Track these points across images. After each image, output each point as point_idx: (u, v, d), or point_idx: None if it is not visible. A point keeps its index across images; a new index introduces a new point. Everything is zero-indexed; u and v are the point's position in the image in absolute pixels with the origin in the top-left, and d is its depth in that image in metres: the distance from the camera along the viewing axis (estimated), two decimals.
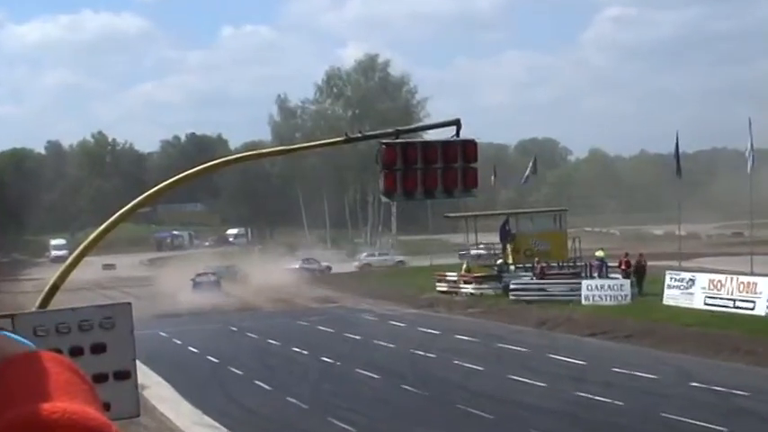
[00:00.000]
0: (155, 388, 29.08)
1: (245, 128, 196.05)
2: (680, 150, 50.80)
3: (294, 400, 26.92)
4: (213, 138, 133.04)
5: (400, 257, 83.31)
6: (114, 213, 9.92)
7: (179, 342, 40.24)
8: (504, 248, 53.38)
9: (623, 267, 48.08)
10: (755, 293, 38.92)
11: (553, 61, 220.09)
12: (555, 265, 51.89)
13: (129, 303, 6.41)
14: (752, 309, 38.66)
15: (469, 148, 14.20)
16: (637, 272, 47.04)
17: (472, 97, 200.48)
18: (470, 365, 31.29)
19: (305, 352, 35.75)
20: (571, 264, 52.74)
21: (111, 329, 6.01)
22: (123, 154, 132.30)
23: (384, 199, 14.54)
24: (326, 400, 27.22)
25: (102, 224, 9.87)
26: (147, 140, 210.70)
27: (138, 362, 6.12)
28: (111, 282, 70.50)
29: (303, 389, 28.59)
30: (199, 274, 61.81)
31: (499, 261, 53.63)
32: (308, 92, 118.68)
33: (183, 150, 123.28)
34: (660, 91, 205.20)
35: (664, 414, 23.24)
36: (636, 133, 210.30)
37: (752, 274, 42.34)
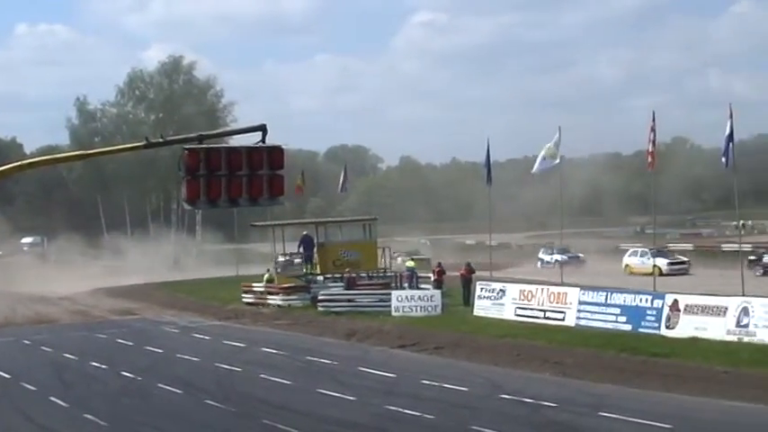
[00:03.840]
0: None
1: (42, 132, 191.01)
2: (491, 158, 51.04)
3: (92, 417, 25.61)
4: (7, 141, 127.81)
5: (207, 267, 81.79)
6: None
7: None
8: (311, 258, 52.68)
9: (434, 278, 48.07)
10: (565, 304, 39.31)
11: (365, 67, 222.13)
12: (364, 275, 51.44)
13: None
14: (562, 319, 39.04)
15: (276, 154, 13.57)
16: (464, 282, 46.94)
17: (281, 102, 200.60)
18: (277, 379, 30.53)
19: (103, 366, 34.31)
20: (381, 274, 52.41)
21: None
22: None
23: (187, 207, 13.72)
24: (127, 417, 26.02)
25: None
26: None
27: None
28: None
29: (102, 405, 27.25)
30: None
31: (304, 271, 52.82)
32: (110, 94, 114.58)
33: None
34: (472, 98, 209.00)
35: (473, 427, 22.94)
36: (447, 141, 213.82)
37: (562, 284, 42.74)
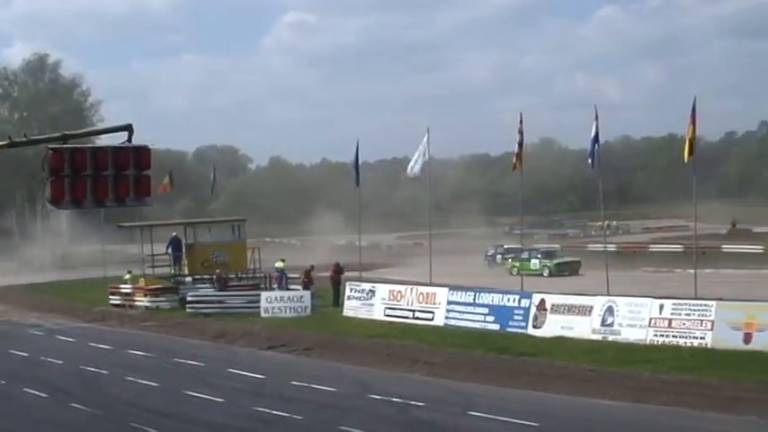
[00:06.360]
0: None
1: None
2: (361, 159, 51.05)
3: None
4: None
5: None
6: None
7: None
8: (179, 259, 52.18)
9: (304, 279, 48.01)
10: (434, 304, 39.61)
11: (234, 66, 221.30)
12: (234, 276, 51.12)
13: None
14: (431, 319, 39.33)
15: (143, 154, 13.41)
16: (333, 283, 46.95)
17: (149, 101, 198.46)
18: (144, 381, 30.11)
19: None
20: (250, 275, 52.14)
21: None
22: None
23: (51, 207, 13.46)
24: None
25: None
26: None
27: None
28: None
29: None
30: None
31: (172, 272, 52.30)
32: None
33: None
34: (342, 99, 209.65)
35: (342, 427, 22.95)
36: (317, 141, 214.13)
37: (431, 284, 43.02)
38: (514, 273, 61.94)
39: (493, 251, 77.40)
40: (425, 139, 45.19)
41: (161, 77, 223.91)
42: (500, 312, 36.99)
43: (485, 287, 40.85)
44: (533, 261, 65.25)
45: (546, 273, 64.01)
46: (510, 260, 68.36)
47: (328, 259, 53.66)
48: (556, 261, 66.94)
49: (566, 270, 64.62)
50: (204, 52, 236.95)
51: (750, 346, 29.21)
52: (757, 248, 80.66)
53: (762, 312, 29.96)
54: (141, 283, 52.20)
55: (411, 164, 46.32)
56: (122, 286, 53.19)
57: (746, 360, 28.05)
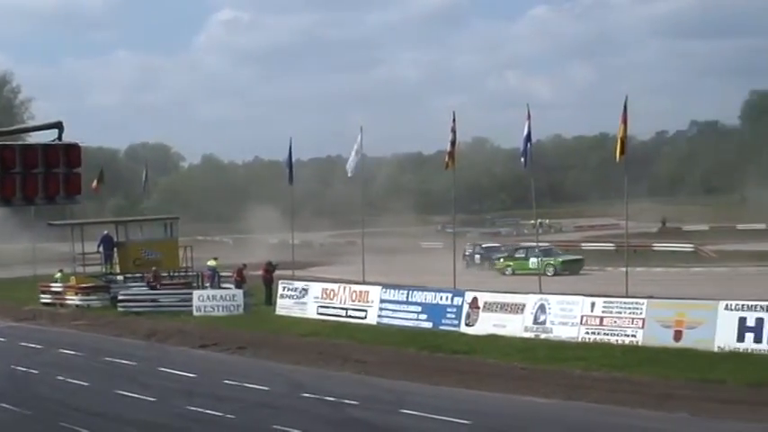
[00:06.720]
0: None
1: None
2: (294, 157, 50.96)
3: None
4: None
5: None
6: None
7: None
8: (111, 258, 51.77)
9: (236, 277, 47.86)
10: (367, 302, 39.63)
11: (167, 64, 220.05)
12: (166, 274, 50.80)
13: None
14: (363, 318, 39.34)
15: (73, 152, 13.32)
16: (265, 281, 46.82)
17: (80, 99, 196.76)
18: (75, 381, 29.80)
19: None
20: (183, 273, 51.85)
21: None
22: None
23: None
24: None
25: None
26: None
27: None
28: None
29: None
30: None
31: (103, 271, 51.88)
32: None
33: None
34: (275, 97, 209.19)
35: (274, 426, 22.84)
36: (250, 139, 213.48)
37: (363, 282, 43.04)
38: (508, 273, 61.66)
39: (471, 250, 72.49)
40: (359, 137, 45.20)
41: (93, 75, 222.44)
42: (433, 311, 37.06)
43: (417, 285, 40.84)
44: (532, 260, 60.15)
45: (550, 271, 59.37)
46: (502, 259, 65.34)
47: (262, 258, 53.52)
48: (562, 259, 63.62)
49: (567, 269, 61.37)
50: (137, 49, 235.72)
51: (680, 344, 29.51)
52: (687, 247, 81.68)
53: (691, 310, 30.28)
54: (72, 281, 51.70)
55: (349, 162, 46.28)
56: (53, 285, 52.65)
57: (676, 357, 28.34)
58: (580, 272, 62.11)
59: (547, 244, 70.55)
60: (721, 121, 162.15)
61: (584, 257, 66.72)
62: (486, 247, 71.37)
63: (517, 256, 63.78)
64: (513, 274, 60.10)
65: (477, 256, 70.90)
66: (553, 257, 63.17)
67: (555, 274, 58.88)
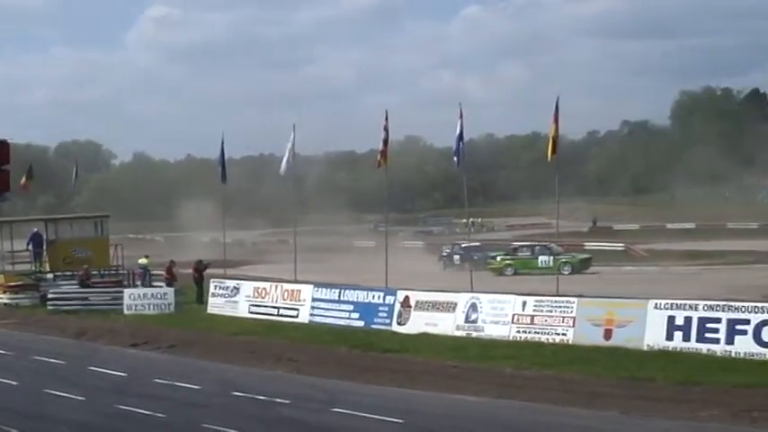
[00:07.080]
0: None
1: None
2: (226, 156, 50.58)
3: None
4: None
5: None
6: None
7: None
8: (40, 256, 51.23)
9: (166, 275, 47.60)
10: (299, 301, 39.58)
11: (98, 60, 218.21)
12: (96, 273, 50.33)
13: None
14: (295, 316, 39.28)
15: (1, 149, 13.18)
16: (196, 280, 46.58)
17: (9, 95, 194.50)
18: (3, 380, 29.31)
19: None
20: (114, 272, 51.44)
21: None
22: None
23: None
24: None
25: None
26: None
27: None
28: None
29: None
30: None
31: (33, 269, 51.32)
32: None
33: None
34: (207, 94, 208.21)
35: (205, 425, 22.67)
36: (182, 137, 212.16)
37: (295, 281, 42.93)
38: (509, 273, 59.65)
39: (449, 250, 69.47)
40: (292, 136, 45.01)
41: (21, 71, 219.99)
42: (365, 309, 37.06)
43: (350, 284, 40.83)
44: (542, 258, 58.84)
45: (566, 270, 56.65)
46: (498, 258, 62.34)
47: (193, 256, 53.26)
48: (581, 257, 61.51)
49: (584, 267, 59.22)
50: (69, 46, 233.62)
51: (610, 342, 29.71)
52: (618, 246, 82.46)
53: (621, 309, 30.52)
54: (1, 279, 51.06)
55: (283, 161, 46.07)
56: None
57: (606, 356, 28.54)
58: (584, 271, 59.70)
59: (547, 243, 66.37)
60: (652, 120, 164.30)
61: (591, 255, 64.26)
62: (465, 247, 66.36)
63: (520, 254, 61.47)
64: (516, 274, 59.17)
65: (457, 257, 67.18)
66: (570, 255, 61.00)
67: (571, 273, 56.87)
